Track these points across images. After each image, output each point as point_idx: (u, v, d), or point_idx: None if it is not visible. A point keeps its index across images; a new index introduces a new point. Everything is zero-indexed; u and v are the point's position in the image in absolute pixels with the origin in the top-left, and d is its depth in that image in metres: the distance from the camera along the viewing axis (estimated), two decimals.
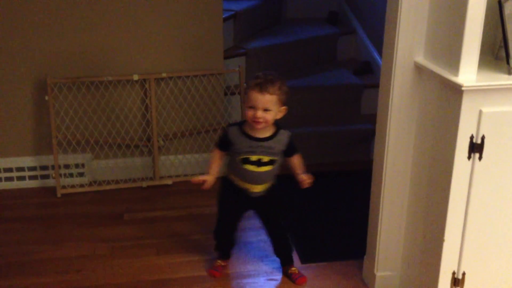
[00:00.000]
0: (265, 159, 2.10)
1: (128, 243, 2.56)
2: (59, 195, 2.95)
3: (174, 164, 3.15)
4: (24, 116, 2.97)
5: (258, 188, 2.17)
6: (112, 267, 2.38)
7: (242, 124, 2.11)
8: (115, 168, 3.09)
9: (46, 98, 2.86)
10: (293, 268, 2.33)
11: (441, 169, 1.79)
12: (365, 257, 2.29)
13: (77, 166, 3.05)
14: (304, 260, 2.45)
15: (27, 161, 3.02)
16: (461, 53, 1.64)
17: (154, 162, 3.07)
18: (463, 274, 1.85)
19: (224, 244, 2.37)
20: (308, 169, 3.31)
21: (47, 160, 3.01)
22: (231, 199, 2.23)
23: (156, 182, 3.07)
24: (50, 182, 3.03)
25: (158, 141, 3.06)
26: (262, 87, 1.98)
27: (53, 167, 2.99)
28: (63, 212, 2.83)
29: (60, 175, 2.99)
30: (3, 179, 3.02)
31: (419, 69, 1.90)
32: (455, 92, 1.67)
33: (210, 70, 3.05)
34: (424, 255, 1.97)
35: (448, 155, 1.73)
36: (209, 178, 2.15)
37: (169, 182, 3.10)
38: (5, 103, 2.93)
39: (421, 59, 1.88)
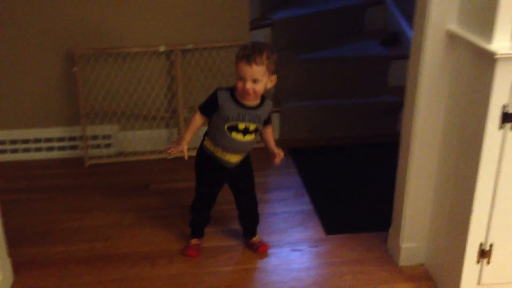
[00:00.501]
0: (252, 127, 2.08)
1: (154, 213, 2.59)
2: (86, 165, 3.00)
3: (199, 136, 3.15)
4: (52, 88, 3.00)
5: (236, 158, 2.15)
6: (139, 236, 2.42)
7: (233, 90, 2.05)
8: (141, 139, 3.11)
9: (74, 69, 2.89)
10: (254, 238, 2.34)
11: (472, 139, 1.75)
12: (390, 228, 2.28)
13: (104, 137, 3.08)
14: (329, 231, 2.46)
15: (56, 132, 3.06)
16: (495, 20, 1.59)
17: (179, 134, 3.09)
18: (491, 245, 1.83)
19: (201, 220, 2.32)
20: (335, 141, 3.31)
21: (75, 131, 3.05)
22: (209, 173, 2.20)
23: (182, 154, 3.08)
24: (78, 153, 3.08)
25: (183, 113, 3.06)
26: (249, 58, 1.94)
27: (81, 138, 3.03)
28: (90, 182, 2.88)
29: (88, 146, 3.03)
30: (32, 150, 3.08)
31: (452, 38, 1.84)
32: (488, 60, 1.62)
33: (236, 41, 3.02)
34: (451, 227, 1.95)
35: (479, 125, 1.69)
36: (185, 148, 2.15)
37: (194, 153, 3.10)
38: (34, 75, 2.96)
39: (453, 27, 1.83)
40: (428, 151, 2.03)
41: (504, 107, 1.64)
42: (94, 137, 3.06)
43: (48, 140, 3.07)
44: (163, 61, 3.01)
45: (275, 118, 3.29)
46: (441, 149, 2.01)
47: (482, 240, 1.83)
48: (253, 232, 2.35)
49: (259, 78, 1.97)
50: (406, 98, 2.05)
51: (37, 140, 3.06)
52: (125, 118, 3.06)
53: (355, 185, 2.86)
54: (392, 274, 2.18)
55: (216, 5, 2.95)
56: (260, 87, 2.00)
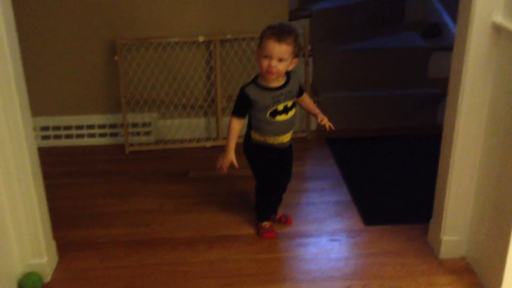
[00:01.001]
0: (289, 103, 2.12)
1: (193, 200, 2.63)
2: (127, 152, 3.06)
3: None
4: (94, 76, 3.06)
5: (288, 137, 2.20)
6: (179, 222, 2.46)
7: (255, 81, 2.09)
8: (180, 127, 3.15)
9: (116, 58, 2.94)
10: (278, 215, 2.42)
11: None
12: (431, 220, 2.25)
13: (144, 125, 3.13)
14: (367, 222, 2.45)
15: (98, 119, 3.13)
16: None
17: (217, 123, 3.11)
18: None
19: (273, 201, 2.38)
20: (373, 132, 3.28)
21: (116, 118, 3.11)
22: (266, 160, 2.22)
23: (219, 143, 3.11)
24: (119, 140, 3.14)
25: (221, 102, 3.09)
26: (280, 36, 1.96)
27: (122, 125, 3.08)
28: (131, 168, 2.93)
29: (128, 133, 3.08)
30: (74, 136, 3.15)
31: (497, 30, 1.81)
32: None
33: None
34: (494, 220, 1.92)
35: None
36: (234, 158, 2.13)
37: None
38: (77, 63, 3.03)
39: (499, 19, 1.79)
40: (471, 143, 2.00)
41: None
42: (135, 125, 3.12)
43: (90, 127, 3.14)
44: (202, 51, 3.04)
45: None
46: (485, 141, 1.98)
47: None
48: (275, 209, 2.42)
49: (285, 57, 2.00)
50: (450, 91, 2.02)
51: (79, 127, 3.14)
52: (165, 106, 3.11)
53: (394, 177, 2.83)
54: (432, 266, 2.16)
55: None
56: (283, 67, 2.03)
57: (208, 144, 3.12)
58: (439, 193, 2.16)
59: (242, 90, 2.10)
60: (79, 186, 2.76)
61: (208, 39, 2.99)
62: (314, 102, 3.26)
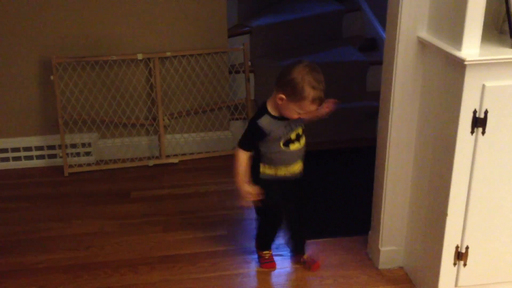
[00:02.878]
0: (300, 130, 2.05)
1: (135, 220, 2.59)
2: (66, 174, 2.99)
3: (180, 143, 3.17)
4: (30, 96, 2.98)
5: (299, 165, 2.10)
6: (121, 244, 2.42)
7: (266, 112, 1.97)
8: (121, 147, 3.11)
9: (52, 77, 2.88)
10: (305, 256, 2.27)
11: (445, 144, 1.79)
12: (369, 232, 2.31)
13: (84, 145, 3.07)
14: (309, 236, 2.47)
15: (34, 140, 3.05)
16: (464, 27, 1.63)
17: (160, 141, 3.09)
18: (467, 248, 1.87)
19: (275, 232, 2.26)
20: (314, 146, 3.33)
21: (54, 139, 3.04)
22: (275, 193, 2.07)
23: (163, 161, 3.09)
24: (58, 161, 3.07)
25: (163, 120, 3.07)
26: (321, 101, 1.91)
27: (60, 146, 3.01)
28: (71, 190, 2.87)
29: (67, 154, 3.02)
30: (11, 159, 3.06)
31: (422, 44, 1.89)
32: (458, 66, 1.66)
33: (214, 48, 3.04)
34: (427, 230, 1.99)
35: (451, 130, 1.73)
36: (250, 187, 1.99)
37: (175, 160, 3.12)
38: (12, 83, 2.95)
39: (424, 34, 1.87)
40: (403, 156, 2.07)
41: (474, 112, 1.69)
42: (74, 145, 3.05)
43: (27, 149, 3.05)
44: (141, 68, 3.02)
45: None
46: (416, 154, 2.05)
47: (458, 242, 1.86)
48: (302, 248, 2.28)
49: None
50: (381, 103, 2.09)
51: (16, 149, 3.04)
52: (105, 126, 3.06)
53: (335, 190, 2.89)
54: (372, 277, 2.21)
55: (194, 13, 2.97)
56: None
57: (151, 162, 3.09)
58: (376, 204, 2.22)
59: (254, 122, 1.96)
60: (17, 211, 2.67)
61: (147, 57, 2.97)
62: None
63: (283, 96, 1.89)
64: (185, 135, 3.18)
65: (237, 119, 3.24)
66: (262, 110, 1.98)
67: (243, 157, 1.98)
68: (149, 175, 3.01)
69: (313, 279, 2.21)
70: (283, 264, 2.31)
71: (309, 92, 1.86)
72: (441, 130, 1.83)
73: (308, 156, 3.29)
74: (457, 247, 1.87)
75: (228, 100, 3.16)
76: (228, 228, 2.52)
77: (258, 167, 2.04)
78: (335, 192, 2.86)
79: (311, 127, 3.38)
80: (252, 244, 2.40)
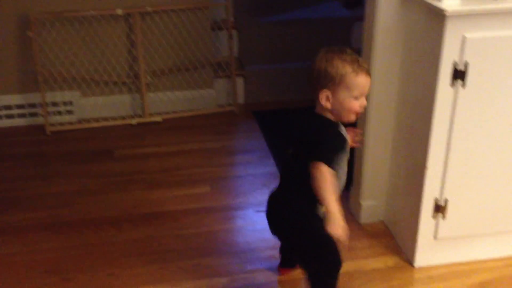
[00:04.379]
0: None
1: (119, 179, 2.59)
2: (48, 132, 2.96)
3: (163, 101, 3.14)
4: (8, 53, 2.92)
5: None
6: (104, 202, 2.42)
7: (330, 120, 1.57)
8: (103, 105, 3.08)
9: (29, 34, 2.81)
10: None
11: (425, 97, 1.79)
12: (351, 187, 2.33)
13: (65, 103, 3.03)
14: None
15: (15, 99, 3.00)
16: None
17: (142, 99, 3.06)
18: (446, 201, 1.89)
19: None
20: (300, 104, 3.32)
21: (35, 97, 2.99)
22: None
23: (146, 119, 3.07)
24: (39, 120, 3.03)
25: (145, 77, 3.03)
26: (367, 70, 1.53)
27: (41, 105, 2.97)
28: (53, 149, 2.84)
29: (49, 113, 2.98)
30: None
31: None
32: (439, 17, 1.64)
33: (196, 3, 2.98)
34: (407, 183, 2.01)
35: (431, 83, 1.72)
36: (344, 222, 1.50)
37: (159, 119, 3.10)
38: None
39: None
40: (384, 111, 2.06)
41: (454, 64, 1.68)
42: (55, 104, 3.01)
43: (8, 107, 3.01)
44: (122, 25, 2.96)
45: (239, 82, 3.28)
46: (397, 108, 2.04)
47: (437, 195, 1.88)
48: (292, 262, 1.93)
49: None
50: (363, 57, 2.06)
51: None
52: (86, 83, 3.02)
53: None
54: (354, 231, 2.22)
55: None
56: None
57: (134, 121, 3.06)
58: (357, 160, 2.23)
59: (335, 129, 1.55)
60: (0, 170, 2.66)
61: (127, 12, 2.90)
62: (240, 75, 3.29)
63: (327, 91, 1.52)
64: (169, 93, 3.14)
65: (220, 77, 3.21)
66: (324, 120, 1.55)
67: (328, 177, 1.46)
68: (132, 133, 2.99)
69: None
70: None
71: (344, 65, 1.50)
72: (421, 83, 1.82)
73: (293, 113, 3.29)
74: (436, 200, 1.89)
75: (211, 58, 3.12)
76: (212, 185, 2.52)
77: (315, 200, 1.53)
78: None
79: (297, 84, 3.38)
80: (235, 201, 2.42)
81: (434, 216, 1.91)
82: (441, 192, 1.87)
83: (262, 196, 2.46)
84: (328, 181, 1.47)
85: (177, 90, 3.14)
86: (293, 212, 1.61)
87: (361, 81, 1.50)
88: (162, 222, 2.28)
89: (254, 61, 3.36)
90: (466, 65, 1.67)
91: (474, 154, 1.83)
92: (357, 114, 1.55)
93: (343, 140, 1.55)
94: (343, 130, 1.58)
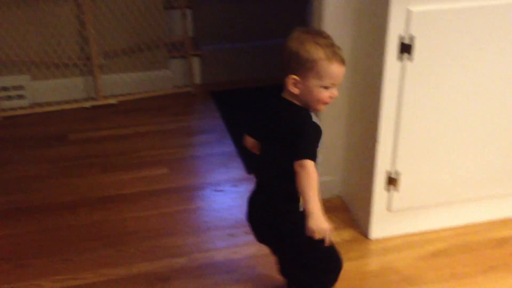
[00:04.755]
0: None
1: (73, 163, 2.54)
2: (0, 118, 2.88)
3: (118, 83, 3.08)
4: None
5: None
6: (59, 187, 2.37)
7: (300, 107, 1.43)
8: (55, 89, 3.00)
9: None
10: None
11: (374, 72, 1.81)
12: None
13: (15, 88, 2.95)
14: (250, 170, 2.50)
15: None
16: None
17: (95, 81, 3.00)
18: (397, 173, 1.93)
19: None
20: (257, 83, 3.32)
21: None
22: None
23: (100, 102, 3.01)
24: None
25: (98, 59, 2.97)
26: (342, 58, 1.38)
27: None
28: (5, 134, 2.77)
29: None
30: None
31: None
32: None
33: None
34: (361, 158, 2.04)
35: (379, 57, 1.74)
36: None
37: (114, 101, 3.04)
38: None
39: None
40: (338, 87, 2.07)
41: (400, 38, 1.70)
42: (5, 89, 2.92)
43: None
44: (70, 4, 2.87)
45: (195, 62, 3.25)
46: (350, 85, 2.06)
47: (388, 168, 1.92)
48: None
49: None
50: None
51: None
52: (36, 67, 2.93)
53: None
54: None
55: None
56: None
57: (88, 104, 3.00)
58: None
59: (314, 123, 1.40)
60: None
61: None
62: (196, 55, 3.25)
63: (295, 77, 1.37)
64: (123, 75, 3.09)
65: (176, 57, 3.16)
66: (299, 110, 1.41)
67: (314, 172, 1.36)
68: (87, 117, 2.93)
69: None
70: (224, 199, 2.33)
71: (318, 49, 1.35)
72: (371, 59, 1.84)
73: (250, 93, 3.30)
74: (388, 173, 1.92)
75: (165, 37, 3.07)
76: (169, 167, 2.51)
77: (296, 194, 1.40)
78: None
79: (254, 63, 3.36)
80: (193, 181, 2.41)
81: (387, 189, 1.95)
82: (393, 165, 1.91)
83: (220, 176, 2.47)
84: (313, 179, 1.36)
85: (131, 72, 3.09)
86: (282, 216, 1.46)
87: (334, 70, 1.36)
88: (119, 205, 2.26)
89: (210, 41, 3.32)
90: (412, 38, 1.69)
91: (424, 126, 1.87)
92: (325, 104, 1.42)
93: (320, 130, 1.41)
94: (316, 118, 1.43)
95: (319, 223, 1.34)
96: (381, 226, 2.02)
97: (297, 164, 1.35)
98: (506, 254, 1.97)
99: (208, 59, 3.30)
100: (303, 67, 1.36)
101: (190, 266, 1.93)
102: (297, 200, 1.43)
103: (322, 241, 1.38)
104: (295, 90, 1.39)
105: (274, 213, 1.47)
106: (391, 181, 1.94)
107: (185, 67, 3.19)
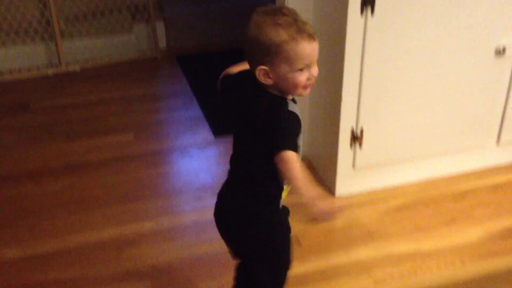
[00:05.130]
0: None
1: (36, 131, 2.50)
2: None
3: (80, 49, 3.01)
4: None
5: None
6: (22, 155, 2.33)
7: (275, 96, 1.23)
8: (16, 56, 2.92)
9: None
10: None
11: (337, 29, 1.80)
12: None
13: None
14: (217, 134, 2.49)
15: None
16: None
17: (57, 47, 2.92)
18: (361, 130, 1.94)
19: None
20: (222, 46, 3.27)
21: None
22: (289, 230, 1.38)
23: (63, 69, 2.94)
24: None
25: (58, 24, 2.88)
26: (310, 33, 1.17)
27: None
28: None
29: None
30: None
31: None
32: None
33: None
34: (326, 117, 2.04)
35: (342, 12, 1.73)
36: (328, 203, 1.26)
37: (77, 68, 2.98)
38: None
39: None
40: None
41: None
42: None
43: None
44: None
45: (160, 26, 3.19)
46: None
47: (353, 125, 1.93)
48: None
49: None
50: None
51: None
52: None
53: None
54: None
55: None
56: None
57: (50, 71, 2.93)
58: None
59: (290, 112, 1.21)
60: None
61: None
62: (161, 19, 3.18)
63: (264, 67, 1.19)
64: (85, 40, 3.01)
65: (139, 21, 3.10)
66: (275, 96, 1.22)
67: (297, 162, 1.20)
68: (49, 85, 2.87)
69: (221, 175, 2.23)
70: (192, 163, 2.32)
71: (278, 31, 1.16)
72: (334, 15, 1.82)
73: (216, 56, 3.26)
74: (352, 129, 1.94)
75: (128, 0, 3.00)
76: (135, 133, 2.48)
77: (276, 192, 1.30)
78: None
79: (219, 26, 3.31)
80: (160, 146, 2.39)
81: (352, 146, 1.97)
82: (357, 122, 1.92)
83: (187, 140, 2.45)
84: (297, 169, 1.18)
85: (94, 37, 3.02)
86: (253, 217, 1.32)
87: (303, 49, 1.16)
88: (84, 172, 2.23)
89: (174, 4, 3.26)
90: None
91: (386, 83, 1.87)
92: (306, 88, 1.22)
93: (298, 119, 1.23)
94: (294, 106, 1.24)
95: (321, 211, 1.20)
96: (347, 183, 2.04)
97: (277, 159, 1.17)
98: (467, 206, 2.02)
99: (173, 23, 3.24)
100: (268, 54, 1.17)
101: (158, 229, 1.93)
102: (270, 203, 1.31)
103: (289, 244, 1.33)
104: (268, 81, 1.21)
105: (243, 213, 1.33)
106: (355, 138, 1.95)
107: (149, 31, 3.13)
